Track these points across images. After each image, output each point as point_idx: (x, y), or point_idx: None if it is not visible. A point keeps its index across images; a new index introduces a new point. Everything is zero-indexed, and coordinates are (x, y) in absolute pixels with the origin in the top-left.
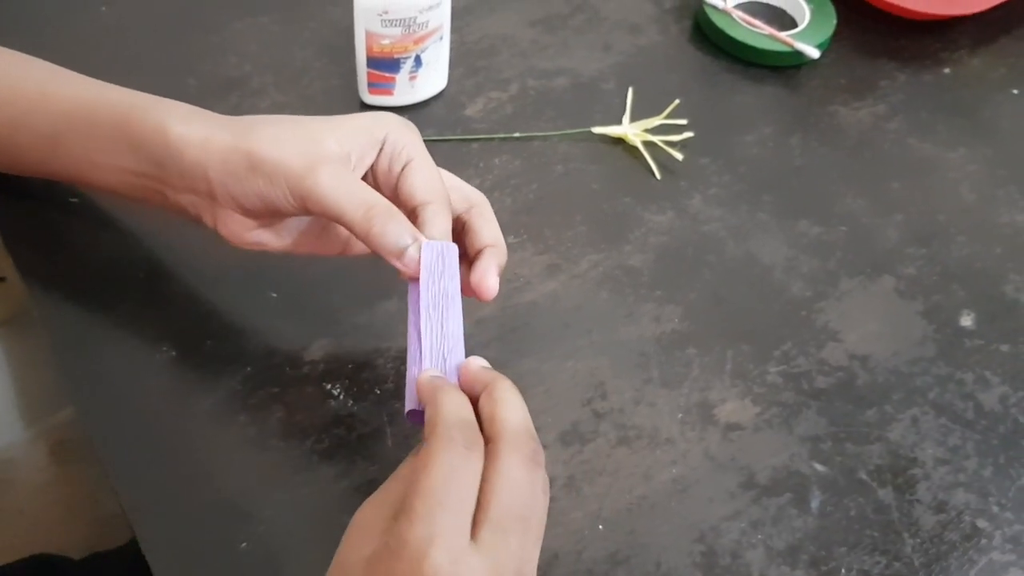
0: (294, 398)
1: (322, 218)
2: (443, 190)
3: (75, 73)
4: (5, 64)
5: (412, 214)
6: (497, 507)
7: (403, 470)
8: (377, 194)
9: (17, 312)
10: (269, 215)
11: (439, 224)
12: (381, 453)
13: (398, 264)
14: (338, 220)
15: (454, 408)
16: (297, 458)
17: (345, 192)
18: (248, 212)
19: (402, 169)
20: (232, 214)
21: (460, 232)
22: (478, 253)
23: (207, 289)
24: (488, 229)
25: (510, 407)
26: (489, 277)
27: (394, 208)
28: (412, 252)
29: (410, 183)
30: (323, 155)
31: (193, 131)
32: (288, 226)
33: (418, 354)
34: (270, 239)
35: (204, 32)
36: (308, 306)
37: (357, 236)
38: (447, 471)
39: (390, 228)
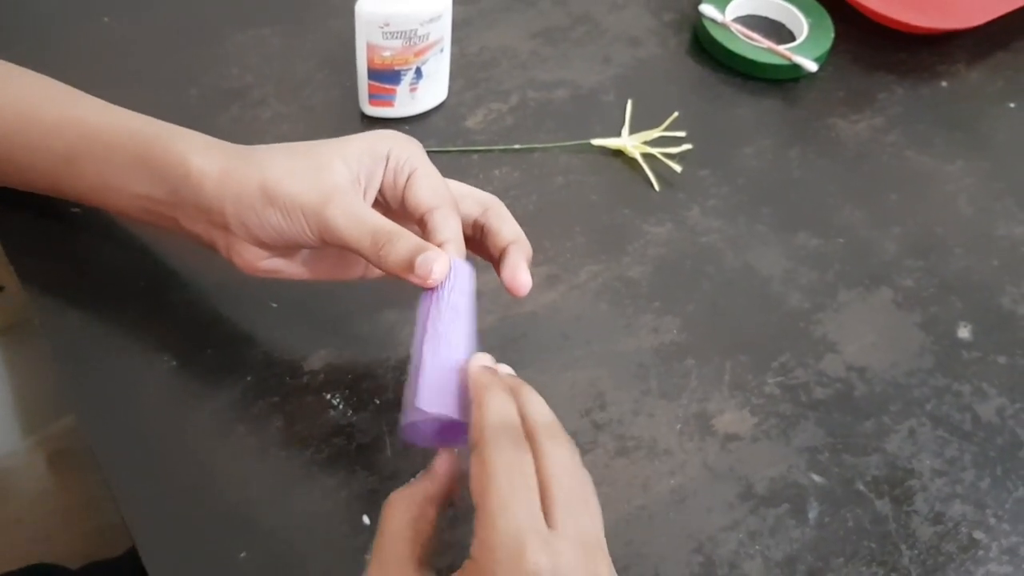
0: (294, 408)
1: (339, 248)
2: (448, 195)
3: (93, 97)
4: (25, 85)
5: (421, 222)
6: (561, 491)
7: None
8: (382, 219)
9: (15, 321)
10: (285, 247)
11: (449, 227)
12: (381, 463)
13: (412, 278)
14: (352, 250)
15: (499, 411)
16: (297, 468)
17: (354, 222)
18: (263, 244)
19: (407, 180)
20: (246, 244)
21: (480, 237)
22: (503, 252)
23: (208, 299)
24: (507, 227)
25: (535, 404)
26: (520, 273)
27: (400, 229)
28: (421, 261)
29: (414, 192)
30: (334, 186)
31: (211, 163)
32: (303, 254)
33: (420, 362)
34: (285, 267)
35: (206, 43)
36: (308, 316)
37: (371, 263)
38: (508, 469)
39: (396, 247)
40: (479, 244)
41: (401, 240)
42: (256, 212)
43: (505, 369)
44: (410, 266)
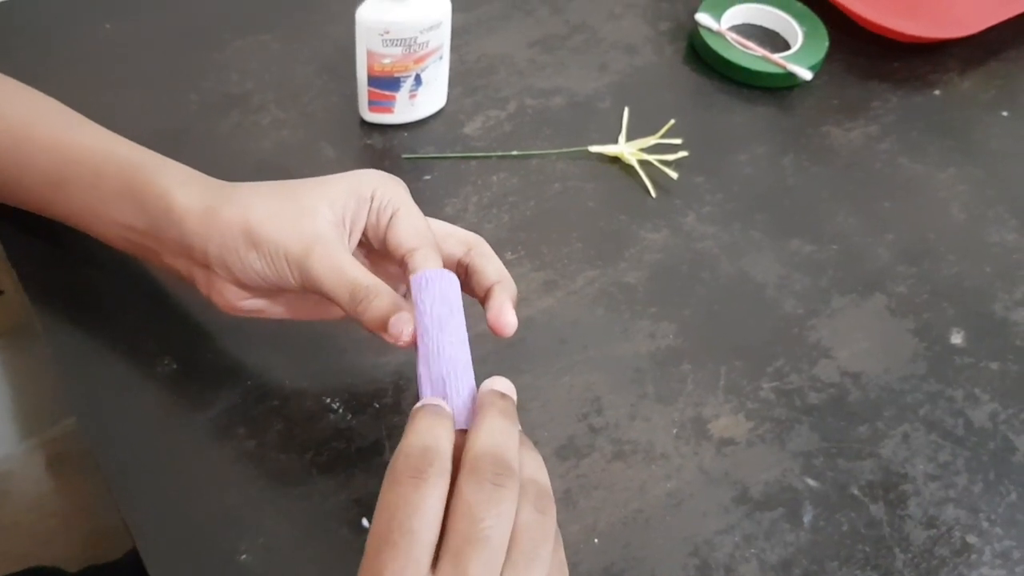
0: (293, 411)
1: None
2: (429, 235)
3: (87, 120)
4: (22, 103)
5: (402, 263)
6: (452, 534)
7: None
8: (362, 272)
9: (15, 325)
10: (267, 289)
11: (429, 266)
12: (379, 466)
13: (386, 336)
14: (330, 300)
15: (413, 438)
16: (296, 471)
17: (335, 274)
18: (244, 285)
19: (388, 220)
20: (227, 283)
21: (464, 277)
22: (488, 292)
23: (208, 303)
24: (491, 266)
25: (479, 431)
26: (505, 314)
27: (378, 285)
28: (394, 321)
29: (396, 232)
30: (318, 233)
31: (195, 200)
32: (284, 295)
33: (419, 382)
34: (266, 307)
35: (206, 49)
36: (308, 321)
37: (347, 315)
38: (392, 506)
39: (373, 305)
40: (464, 284)
41: (378, 298)
42: (239, 255)
43: (499, 384)
44: (384, 325)
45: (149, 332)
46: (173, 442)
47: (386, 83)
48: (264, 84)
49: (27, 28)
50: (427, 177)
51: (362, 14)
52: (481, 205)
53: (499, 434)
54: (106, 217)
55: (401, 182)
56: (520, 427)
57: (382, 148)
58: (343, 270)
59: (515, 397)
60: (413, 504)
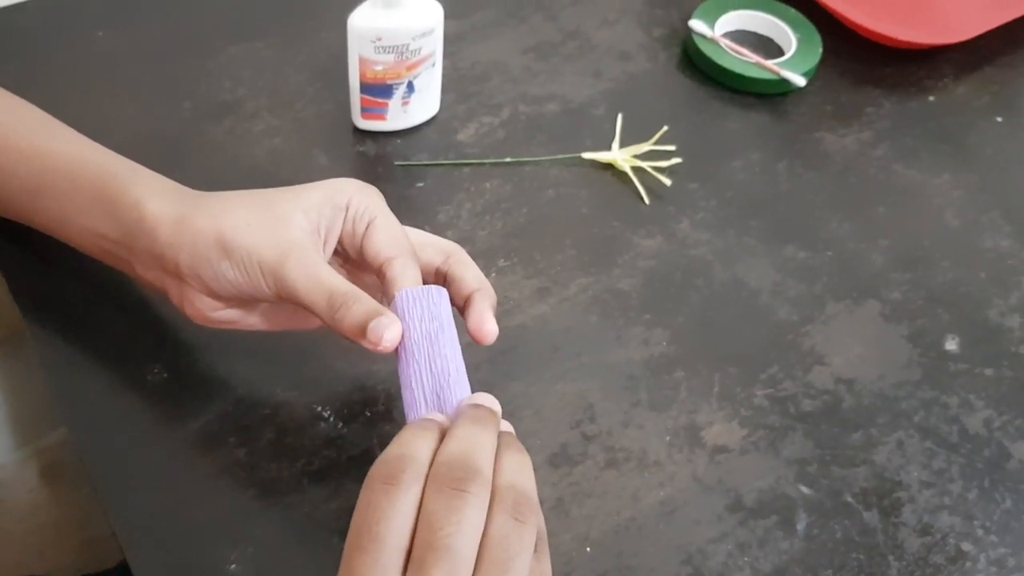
0: (284, 420)
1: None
2: (407, 244)
3: (66, 127)
4: (1, 111)
5: (380, 272)
6: (415, 542)
7: None
8: (339, 280)
9: (7, 334)
10: (240, 299)
11: (408, 276)
12: None
13: (365, 343)
14: (307, 309)
15: (392, 447)
16: (287, 479)
17: (312, 282)
18: (217, 295)
19: (365, 229)
20: (199, 294)
21: (443, 285)
22: (467, 300)
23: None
24: (470, 274)
25: (450, 440)
26: (486, 322)
27: (356, 292)
28: (373, 327)
29: (374, 241)
30: (293, 241)
31: (167, 210)
32: (257, 305)
33: (410, 400)
34: (239, 318)
35: (199, 57)
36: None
37: (324, 323)
38: (362, 511)
39: (351, 311)
40: None
41: (356, 304)
42: (211, 263)
43: (479, 398)
44: (363, 331)
45: (139, 341)
46: (163, 451)
47: (379, 90)
48: (257, 91)
49: (19, 36)
50: (420, 184)
51: (354, 21)
52: (474, 212)
53: (465, 440)
54: (81, 225)
55: (377, 191)
56: (510, 433)
57: (375, 155)
58: (320, 277)
59: (497, 408)
60: (382, 509)
